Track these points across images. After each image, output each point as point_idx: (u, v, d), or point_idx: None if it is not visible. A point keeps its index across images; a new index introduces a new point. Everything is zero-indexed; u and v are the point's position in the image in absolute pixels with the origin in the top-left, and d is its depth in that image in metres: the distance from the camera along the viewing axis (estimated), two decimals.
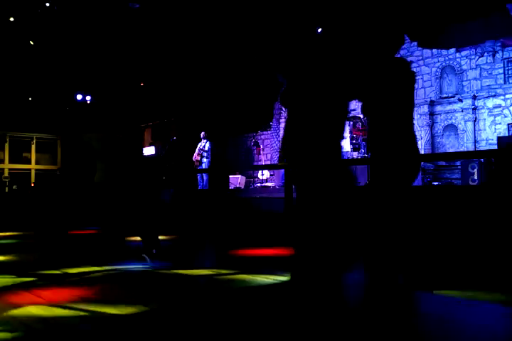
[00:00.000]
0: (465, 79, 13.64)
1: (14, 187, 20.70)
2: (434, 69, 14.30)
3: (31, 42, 12.85)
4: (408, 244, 2.77)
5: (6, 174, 27.42)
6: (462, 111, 13.42)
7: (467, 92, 13.41)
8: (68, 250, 5.20)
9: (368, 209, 2.77)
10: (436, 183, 11.31)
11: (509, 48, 12.87)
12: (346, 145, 9.05)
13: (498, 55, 13.03)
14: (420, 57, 14.69)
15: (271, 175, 13.87)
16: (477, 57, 13.40)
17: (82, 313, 2.48)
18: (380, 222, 2.74)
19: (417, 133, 12.36)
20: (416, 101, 12.46)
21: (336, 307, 2.65)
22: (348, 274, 2.96)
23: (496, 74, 13.04)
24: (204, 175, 10.72)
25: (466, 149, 12.96)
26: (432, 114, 14.07)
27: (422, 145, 14.09)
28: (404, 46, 15.14)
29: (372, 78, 2.72)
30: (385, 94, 2.69)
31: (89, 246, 5.46)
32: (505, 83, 12.86)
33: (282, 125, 15.25)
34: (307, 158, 2.59)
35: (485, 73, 13.26)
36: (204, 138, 10.99)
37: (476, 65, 13.41)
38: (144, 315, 2.47)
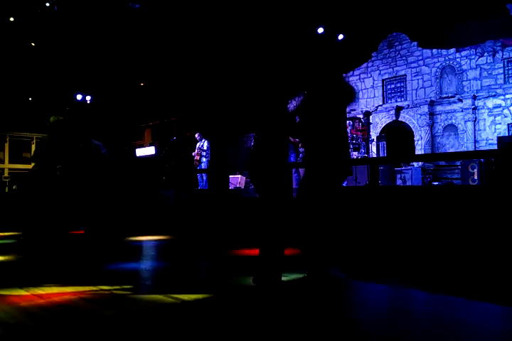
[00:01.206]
0: (465, 79, 13.64)
1: (14, 187, 20.69)
2: (434, 70, 14.30)
3: (33, 44, 12.86)
4: (335, 240, 3.17)
5: (6, 174, 27.44)
6: (462, 111, 13.42)
7: (467, 92, 13.41)
8: (52, 256, 4.98)
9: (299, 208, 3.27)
10: (436, 183, 11.31)
11: (509, 48, 12.87)
12: None
13: (498, 55, 13.03)
14: (420, 57, 14.70)
15: None
16: (477, 57, 13.40)
17: None
18: (311, 219, 3.18)
19: (417, 133, 12.28)
20: (416, 102, 12.42)
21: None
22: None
23: (496, 74, 13.05)
24: (204, 174, 10.71)
25: (466, 149, 12.96)
26: (432, 114, 14.06)
27: (422, 145, 14.10)
28: (405, 46, 15.15)
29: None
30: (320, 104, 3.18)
31: (75, 253, 5.24)
32: (505, 83, 12.86)
33: None
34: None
35: (485, 73, 13.26)
36: (202, 138, 10.96)
37: (476, 65, 13.41)
38: None
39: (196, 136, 11.10)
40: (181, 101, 19.87)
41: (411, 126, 14.56)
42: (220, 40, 13.99)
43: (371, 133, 13.85)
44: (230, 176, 11.67)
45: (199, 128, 12.36)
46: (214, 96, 17.99)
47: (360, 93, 16.12)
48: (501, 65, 13.00)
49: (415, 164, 11.71)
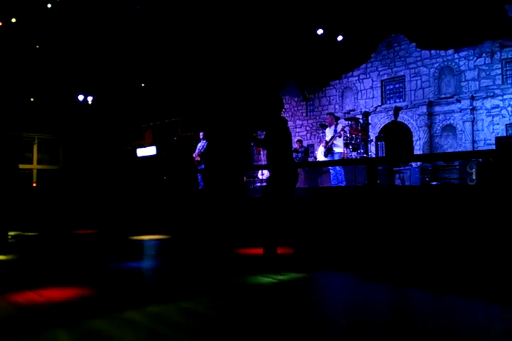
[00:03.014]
0: (463, 79, 13.72)
1: None
2: (432, 70, 14.38)
3: (37, 46, 12.93)
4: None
5: None
6: (460, 111, 13.50)
7: (465, 93, 13.49)
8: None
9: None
10: (434, 183, 11.38)
11: (507, 49, 12.95)
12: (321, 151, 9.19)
13: (497, 56, 13.11)
14: (419, 58, 14.78)
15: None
16: (475, 57, 13.48)
17: None
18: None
19: (415, 134, 12.34)
20: (414, 102, 12.48)
21: None
22: None
23: (494, 75, 13.13)
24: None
25: (464, 149, 13.03)
26: (430, 115, 14.15)
27: (421, 146, 14.18)
28: (403, 47, 15.23)
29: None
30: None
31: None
32: (503, 84, 12.95)
33: None
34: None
35: (483, 74, 13.34)
36: (204, 138, 10.98)
37: (475, 66, 13.49)
38: None
39: (200, 135, 11.07)
40: (182, 101, 19.92)
41: (410, 126, 14.64)
42: (219, 39, 14.06)
43: (370, 133, 13.92)
44: None
45: (201, 128, 12.38)
46: (214, 96, 18.04)
47: (359, 94, 16.19)
48: (499, 66, 13.08)
49: (414, 164, 11.79)
